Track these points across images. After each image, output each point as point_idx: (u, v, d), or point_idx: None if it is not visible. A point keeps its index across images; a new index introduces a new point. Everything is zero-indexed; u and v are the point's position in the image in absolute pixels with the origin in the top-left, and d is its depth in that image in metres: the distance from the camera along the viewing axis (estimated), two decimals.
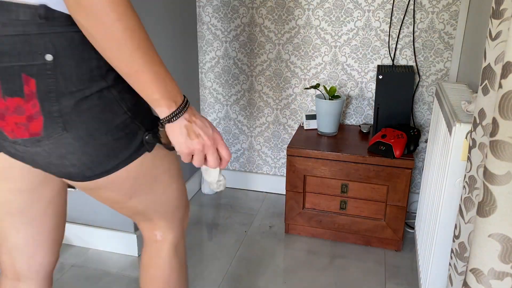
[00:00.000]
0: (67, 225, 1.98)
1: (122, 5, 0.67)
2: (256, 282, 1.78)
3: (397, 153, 1.82)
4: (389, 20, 2.06)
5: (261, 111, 2.38)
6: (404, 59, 2.10)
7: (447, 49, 2.03)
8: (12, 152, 0.80)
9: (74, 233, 1.99)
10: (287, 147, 1.96)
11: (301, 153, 1.94)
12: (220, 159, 0.87)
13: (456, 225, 1.12)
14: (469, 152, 1.03)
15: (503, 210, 0.83)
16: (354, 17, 2.10)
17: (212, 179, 0.90)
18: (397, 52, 2.10)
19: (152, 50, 0.73)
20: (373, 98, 2.19)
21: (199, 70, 2.40)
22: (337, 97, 2.06)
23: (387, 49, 2.11)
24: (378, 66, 2.02)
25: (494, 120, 0.81)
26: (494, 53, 0.91)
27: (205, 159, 0.86)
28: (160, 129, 0.84)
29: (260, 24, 2.23)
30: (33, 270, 1.02)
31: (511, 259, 0.85)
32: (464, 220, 1.06)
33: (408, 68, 1.96)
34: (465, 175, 1.05)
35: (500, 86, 0.80)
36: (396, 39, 2.08)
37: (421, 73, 2.10)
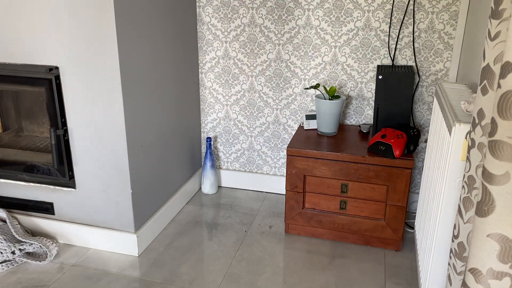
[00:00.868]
0: (67, 225, 1.99)
1: None
2: (256, 282, 1.78)
3: (397, 153, 1.82)
4: (389, 20, 2.07)
5: (261, 111, 2.38)
6: (404, 59, 2.10)
7: (446, 49, 2.04)
8: None
9: (74, 233, 1.99)
10: (287, 147, 1.96)
11: (301, 153, 1.94)
12: None
13: (455, 225, 1.12)
14: (468, 152, 1.03)
15: (501, 210, 0.83)
16: (354, 17, 2.10)
17: None
18: (397, 52, 2.10)
19: None
20: (373, 98, 2.20)
21: (199, 70, 2.40)
22: (337, 97, 2.06)
23: (387, 49, 2.11)
24: (378, 66, 2.02)
25: (493, 120, 0.81)
26: (493, 53, 0.91)
27: None
28: None
29: (260, 24, 2.23)
30: None
31: (510, 259, 0.85)
32: (463, 220, 1.06)
33: (408, 68, 1.96)
34: (464, 175, 1.06)
35: (499, 86, 0.80)
36: (396, 39, 2.08)
37: (420, 73, 2.10)
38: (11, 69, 1.80)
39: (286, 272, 1.85)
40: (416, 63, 2.09)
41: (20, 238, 1.90)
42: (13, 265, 1.85)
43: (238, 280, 1.80)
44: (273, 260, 1.92)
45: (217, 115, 2.46)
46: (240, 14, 2.24)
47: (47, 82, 1.76)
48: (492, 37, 0.91)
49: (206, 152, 2.43)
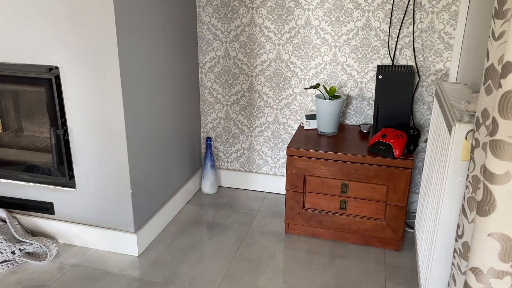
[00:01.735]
0: (67, 224, 1.98)
1: None
2: (256, 282, 1.78)
3: (397, 153, 1.82)
4: (389, 20, 2.07)
5: (261, 111, 2.38)
6: (404, 59, 2.10)
7: (446, 49, 2.04)
8: None
9: (74, 233, 1.99)
10: (287, 147, 1.96)
11: (301, 153, 1.94)
12: None
13: (459, 224, 1.12)
14: (472, 152, 1.03)
15: (502, 209, 0.83)
16: (354, 17, 2.10)
17: None
18: (397, 52, 2.10)
19: None
20: (373, 98, 2.20)
21: (199, 70, 2.40)
22: (337, 97, 2.06)
23: (387, 49, 2.11)
24: (378, 66, 2.02)
25: (494, 120, 0.81)
26: (498, 53, 0.91)
27: None
28: None
29: (260, 24, 2.23)
30: None
31: (511, 258, 0.85)
32: (467, 219, 1.06)
33: (408, 68, 1.96)
34: (468, 175, 1.05)
35: (500, 85, 0.80)
36: (396, 39, 2.08)
37: (420, 73, 2.10)
38: (11, 69, 1.80)
39: (286, 272, 1.85)
40: (416, 63, 2.09)
41: (20, 238, 1.90)
42: (13, 265, 1.85)
43: (238, 280, 1.80)
44: (273, 260, 1.92)
45: (217, 115, 2.46)
46: (240, 14, 2.24)
47: (47, 82, 1.76)
48: (496, 37, 0.91)
49: (206, 152, 2.43)
